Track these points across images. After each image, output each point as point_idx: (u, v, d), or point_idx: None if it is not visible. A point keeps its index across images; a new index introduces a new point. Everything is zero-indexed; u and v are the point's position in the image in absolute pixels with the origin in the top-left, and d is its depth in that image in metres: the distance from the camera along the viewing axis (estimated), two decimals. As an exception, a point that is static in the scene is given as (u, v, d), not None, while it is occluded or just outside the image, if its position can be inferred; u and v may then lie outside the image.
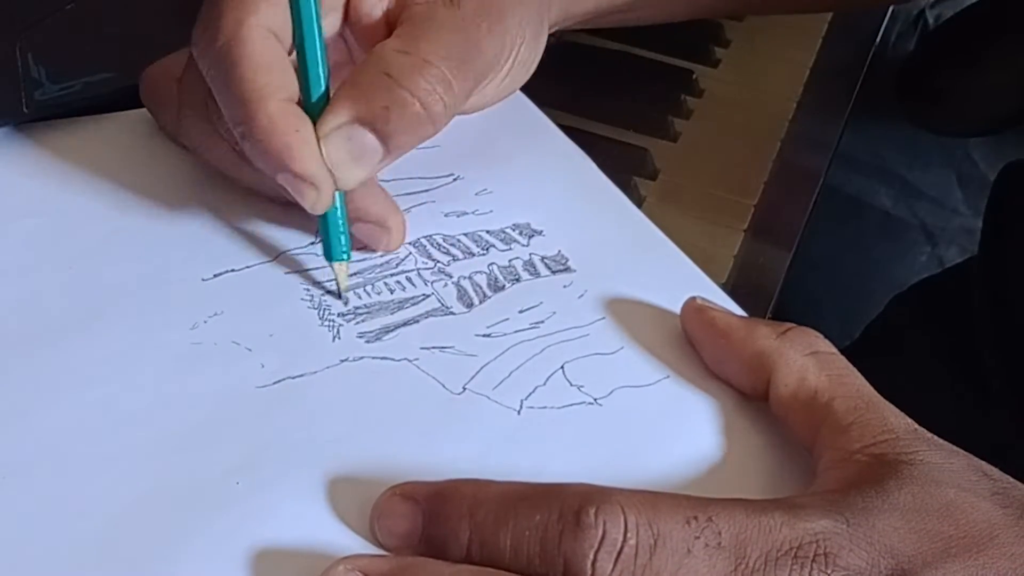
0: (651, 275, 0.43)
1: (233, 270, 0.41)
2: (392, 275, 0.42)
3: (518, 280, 0.42)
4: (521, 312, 0.41)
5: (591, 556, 0.30)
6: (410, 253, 0.43)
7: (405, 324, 0.40)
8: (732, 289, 0.44)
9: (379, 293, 0.41)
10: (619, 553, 0.30)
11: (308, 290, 0.41)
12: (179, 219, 0.43)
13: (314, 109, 0.38)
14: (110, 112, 0.47)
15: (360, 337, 0.39)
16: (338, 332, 0.39)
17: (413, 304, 0.41)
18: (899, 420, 0.35)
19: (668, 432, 0.38)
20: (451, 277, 0.42)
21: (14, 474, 0.34)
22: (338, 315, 0.40)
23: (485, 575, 0.30)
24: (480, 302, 0.41)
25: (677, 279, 0.43)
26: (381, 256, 0.42)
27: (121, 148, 0.45)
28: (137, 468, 0.34)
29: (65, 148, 0.45)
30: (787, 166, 0.59)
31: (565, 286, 0.42)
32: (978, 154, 0.84)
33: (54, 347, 0.38)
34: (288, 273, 0.41)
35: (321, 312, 0.40)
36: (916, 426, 0.35)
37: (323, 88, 0.39)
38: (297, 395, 0.37)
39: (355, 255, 0.41)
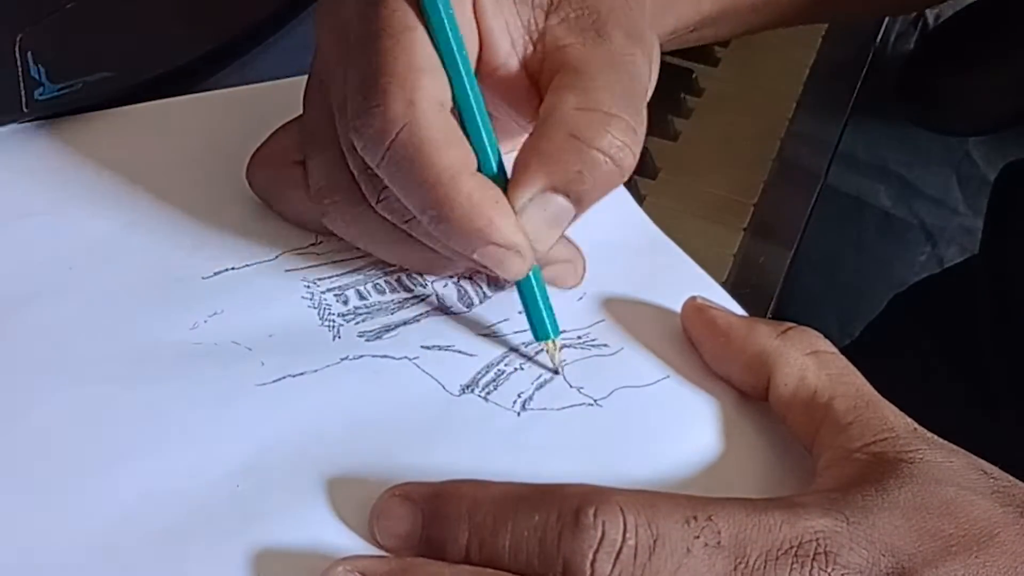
0: (652, 274, 0.43)
1: (233, 268, 0.41)
2: (392, 274, 0.42)
3: (518, 279, 0.42)
4: (521, 313, 0.41)
5: (590, 556, 0.30)
6: (410, 252, 0.43)
7: (405, 323, 0.40)
8: (732, 288, 0.44)
9: (380, 292, 0.41)
10: (618, 553, 0.30)
11: (308, 288, 0.41)
12: (179, 217, 0.43)
13: (493, 175, 0.37)
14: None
15: (360, 336, 0.39)
16: (338, 331, 0.39)
17: (413, 303, 0.41)
18: (899, 419, 0.35)
19: (668, 433, 0.38)
20: (451, 277, 0.42)
21: (12, 474, 0.34)
22: (338, 315, 0.40)
23: (484, 575, 0.30)
24: (480, 302, 0.41)
25: (679, 278, 0.43)
26: None
27: (120, 147, 0.45)
28: (137, 467, 0.34)
29: (64, 147, 0.45)
30: (787, 165, 0.59)
31: (565, 288, 0.42)
32: (978, 153, 0.84)
33: (54, 346, 0.38)
34: (288, 272, 0.41)
35: (321, 311, 0.40)
36: (916, 425, 0.35)
37: (497, 154, 0.37)
38: (297, 393, 0.37)
39: (355, 253, 0.42)
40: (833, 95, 0.66)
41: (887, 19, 0.72)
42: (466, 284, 0.42)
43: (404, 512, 0.32)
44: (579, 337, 0.40)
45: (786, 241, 0.56)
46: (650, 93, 0.39)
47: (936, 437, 0.35)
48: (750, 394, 0.38)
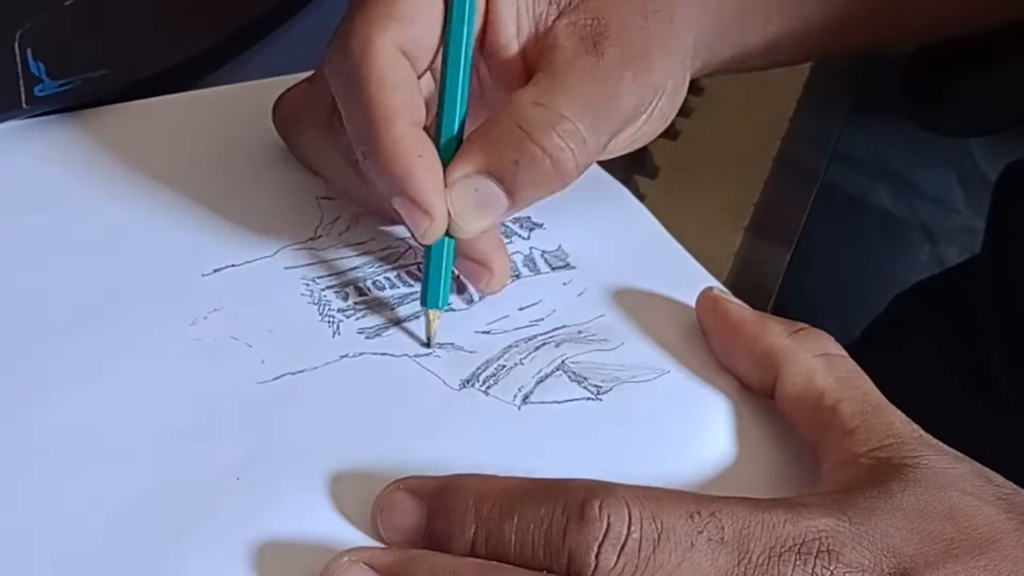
0: (652, 271, 0.43)
1: (232, 265, 0.41)
2: (392, 270, 0.42)
3: (518, 276, 0.42)
4: (521, 310, 0.41)
5: (595, 549, 0.30)
6: (409, 248, 0.43)
7: (405, 320, 0.40)
8: (732, 288, 0.44)
9: (380, 289, 0.41)
10: (623, 546, 0.30)
11: (307, 285, 0.41)
12: (178, 214, 0.43)
13: (447, 145, 0.37)
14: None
15: (360, 333, 0.39)
16: (338, 328, 0.39)
17: (413, 299, 0.41)
18: (905, 426, 0.35)
19: (669, 428, 0.38)
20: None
21: (15, 470, 0.34)
22: (338, 311, 0.40)
23: (488, 568, 0.31)
24: (480, 298, 0.41)
25: (678, 275, 0.43)
26: (381, 252, 0.42)
27: (120, 143, 0.45)
28: (138, 463, 0.34)
29: (64, 144, 0.45)
30: (787, 164, 0.59)
31: (565, 283, 0.42)
32: (979, 153, 0.84)
33: (54, 343, 0.38)
34: (288, 268, 0.41)
35: (321, 308, 0.40)
36: (922, 432, 0.35)
37: (457, 124, 0.38)
38: (298, 391, 0.37)
39: (355, 249, 0.41)
40: (833, 94, 0.66)
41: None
42: (466, 281, 0.42)
43: (409, 505, 0.32)
44: (580, 332, 0.40)
45: (786, 240, 0.56)
46: (633, 124, 0.39)
47: (941, 444, 0.35)
48: (756, 390, 0.38)
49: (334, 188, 0.43)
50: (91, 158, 0.44)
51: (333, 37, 0.38)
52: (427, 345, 0.39)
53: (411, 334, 0.39)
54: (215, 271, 0.41)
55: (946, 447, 0.35)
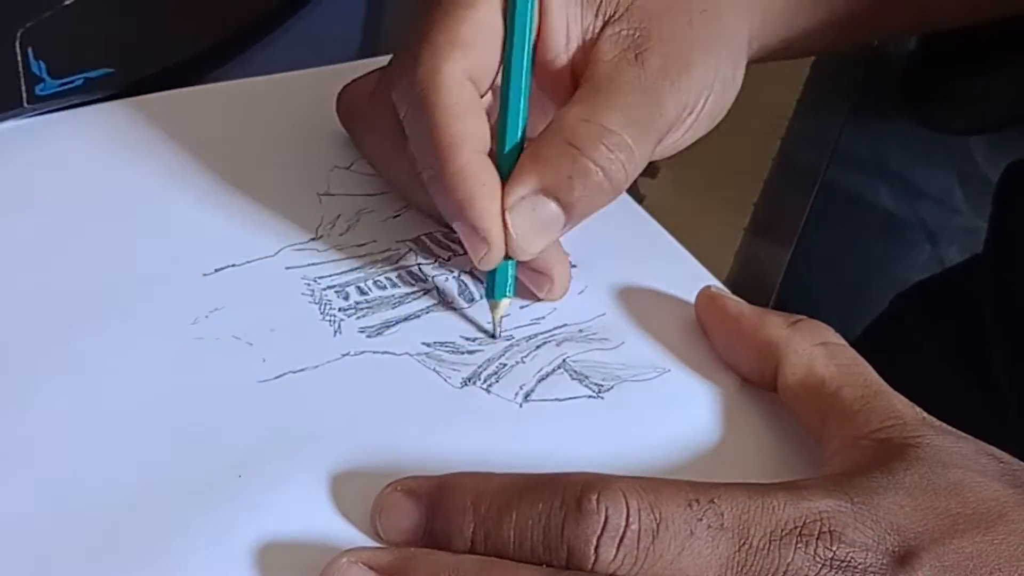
0: (652, 270, 0.43)
1: (234, 265, 0.41)
2: (393, 270, 0.42)
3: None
4: (522, 308, 0.41)
5: (594, 542, 0.30)
6: (410, 250, 0.43)
7: (406, 319, 0.40)
8: (732, 287, 0.44)
9: (381, 288, 0.41)
10: (622, 538, 0.30)
11: (309, 285, 0.41)
12: (179, 213, 0.43)
13: (507, 161, 0.38)
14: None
15: (361, 332, 0.39)
16: (339, 327, 0.39)
17: (414, 299, 0.41)
18: (907, 408, 0.35)
19: (669, 426, 0.38)
20: (452, 272, 0.42)
21: (17, 465, 0.34)
22: (339, 310, 0.40)
23: (487, 565, 0.30)
24: (481, 297, 0.41)
25: (679, 274, 0.43)
26: (382, 252, 0.42)
27: (121, 142, 0.45)
28: (140, 461, 0.34)
29: (65, 143, 0.45)
30: (787, 164, 0.59)
31: (566, 282, 0.42)
32: (979, 153, 0.84)
33: (56, 342, 0.38)
34: (289, 268, 0.41)
35: (322, 307, 0.40)
36: (924, 414, 0.35)
37: (518, 138, 0.39)
38: (299, 390, 0.37)
39: (356, 251, 0.42)
40: (834, 93, 0.66)
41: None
42: (467, 279, 0.42)
43: (407, 506, 0.32)
44: (581, 331, 0.40)
45: (786, 240, 0.56)
46: (679, 128, 0.40)
47: (944, 424, 0.35)
48: (758, 383, 0.38)
49: (394, 190, 0.44)
50: (92, 157, 0.44)
51: (397, 61, 0.39)
52: (492, 336, 0.40)
53: (471, 320, 0.40)
54: (216, 270, 0.41)
55: (949, 427, 0.35)
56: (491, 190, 0.37)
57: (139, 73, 0.47)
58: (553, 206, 0.38)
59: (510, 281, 0.39)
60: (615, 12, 0.40)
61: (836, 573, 0.30)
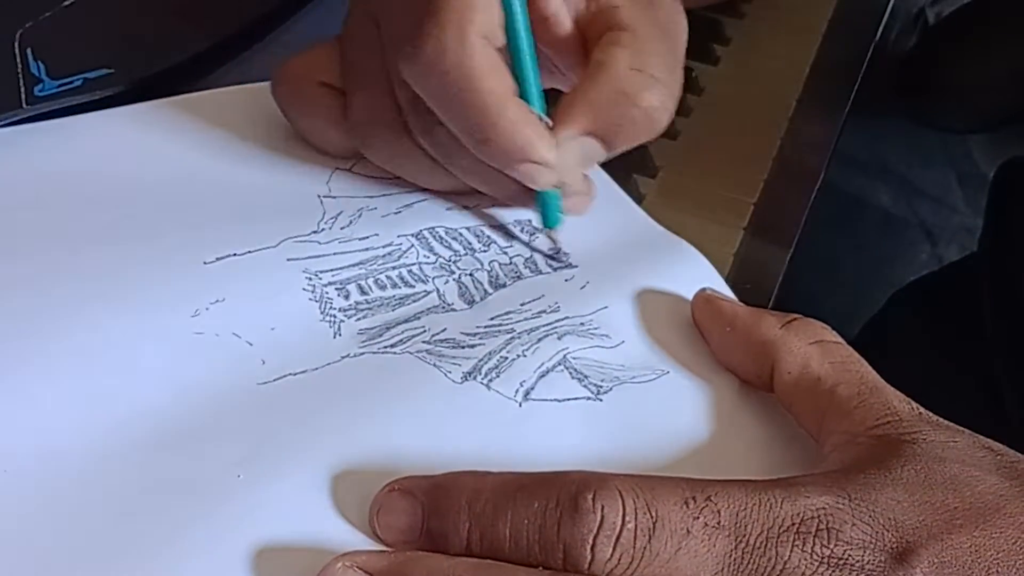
0: (654, 265, 0.43)
1: (235, 254, 0.41)
2: (394, 268, 0.42)
3: (519, 277, 0.42)
4: (523, 305, 0.41)
5: (590, 541, 0.30)
6: (412, 245, 0.43)
7: (407, 320, 0.40)
8: (732, 287, 0.44)
9: (381, 288, 0.41)
10: (618, 537, 0.30)
11: (310, 281, 0.40)
12: (179, 208, 0.42)
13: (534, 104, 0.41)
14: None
15: (361, 334, 0.39)
16: (339, 327, 0.39)
17: (414, 300, 0.41)
18: (903, 404, 0.35)
19: (668, 429, 0.38)
20: (453, 274, 0.42)
21: (13, 465, 0.34)
22: (339, 310, 0.40)
23: (483, 567, 0.30)
24: (481, 299, 0.41)
25: (683, 272, 0.43)
26: (384, 246, 0.42)
27: (121, 142, 0.45)
28: (138, 459, 0.34)
29: (64, 144, 0.45)
30: (787, 164, 0.59)
31: (567, 280, 0.42)
32: (978, 153, 0.84)
33: (56, 338, 0.37)
34: (291, 261, 0.41)
35: (322, 306, 0.40)
36: (921, 410, 0.35)
37: (540, 87, 0.41)
38: (298, 392, 0.37)
39: (357, 245, 0.42)
40: (833, 94, 0.66)
41: (887, 17, 0.72)
42: (467, 281, 0.42)
43: (405, 506, 0.32)
44: (582, 323, 0.40)
45: (786, 240, 0.56)
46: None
47: (940, 419, 0.35)
48: (755, 384, 0.38)
49: (412, 183, 0.45)
50: (92, 157, 0.44)
51: (409, 39, 0.40)
52: (555, 258, 0.44)
53: (536, 249, 0.44)
54: (218, 259, 0.40)
55: (945, 422, 0.35)
56: (541, 128, 0.40)
57: (138, 74, 0.47)
58: (597, 145, 0.41)
59: (560, 210, 0.43)
60: None
61: (834, 571, 0.30)
